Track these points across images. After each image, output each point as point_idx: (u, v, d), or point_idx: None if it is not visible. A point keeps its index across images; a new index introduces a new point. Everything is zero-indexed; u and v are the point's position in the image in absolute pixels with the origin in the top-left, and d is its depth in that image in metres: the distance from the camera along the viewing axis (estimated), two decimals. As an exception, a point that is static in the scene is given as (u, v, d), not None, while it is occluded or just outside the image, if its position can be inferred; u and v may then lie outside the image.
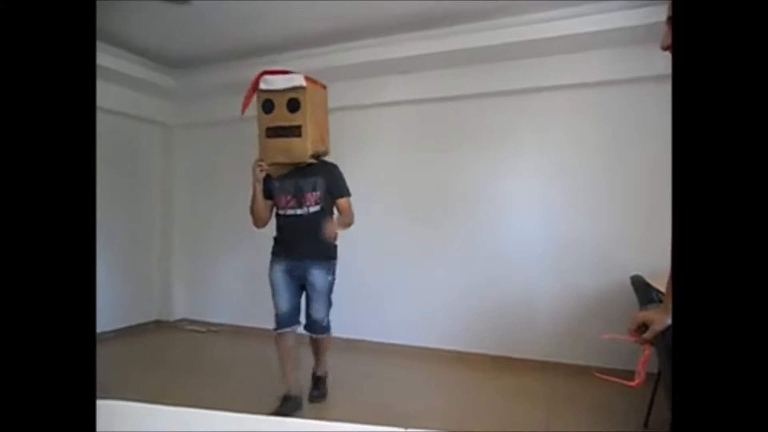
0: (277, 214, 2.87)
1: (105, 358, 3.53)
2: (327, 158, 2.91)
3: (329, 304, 2.86)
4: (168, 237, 5.03)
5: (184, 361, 3.96)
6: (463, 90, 3.85)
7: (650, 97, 3.17)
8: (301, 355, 3.18)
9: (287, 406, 2.74)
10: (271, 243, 2.93)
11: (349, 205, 2.86)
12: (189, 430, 0.84)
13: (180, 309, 5.02)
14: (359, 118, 4.20)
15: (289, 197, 2.79)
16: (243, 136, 4.76)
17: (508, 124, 3.77)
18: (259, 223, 2.88)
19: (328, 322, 2.88)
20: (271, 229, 2.95)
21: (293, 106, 2.65)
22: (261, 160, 2.75)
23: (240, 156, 4.83)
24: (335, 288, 2.90)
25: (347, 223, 2.83)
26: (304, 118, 2.63)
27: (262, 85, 2.68)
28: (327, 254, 2.83)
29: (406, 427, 0.83)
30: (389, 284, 4.12)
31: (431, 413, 2.75)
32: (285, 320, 2.80)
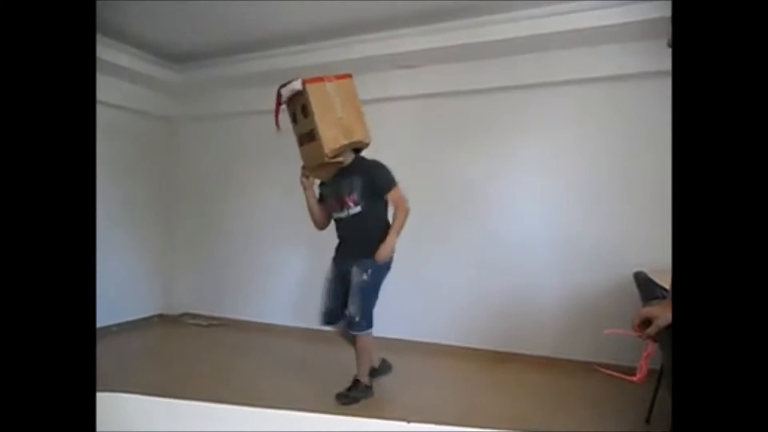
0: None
1: (108, 352, 3.58)
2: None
3: (365, 301, 2.79)
4: (171, 231, 5.04)
5: (186, 354, 3.97)
6: (467, 85, 3.83)
7: (655, 94, 3.14)
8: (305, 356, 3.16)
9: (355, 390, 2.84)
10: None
11: (399, 194, 2.79)
12: (189, 422, 0.85)
13: (183, 303, 5.03)
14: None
15: (332, 201, 2.85)
16: (247, 130, 4.80)
17: (514, 119, 3.75)
18: (317, 226, 2.97)
19: (364, 321, 2.77)
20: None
21: (305, 111, 2.69)
22: (304, 168, 2.82)
23: (244, 149, 4.86)
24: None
25: (402, 217, 2.77)
26: (313, 121, 2.65)
27: (282, 97, 2.75)
28: (368, 254, 2.77)
29: (408, 421, 0.83)
30: (391, 278, 4.10)
31: (432, 408, 2.76)
32: (324, 318, 2.93)
